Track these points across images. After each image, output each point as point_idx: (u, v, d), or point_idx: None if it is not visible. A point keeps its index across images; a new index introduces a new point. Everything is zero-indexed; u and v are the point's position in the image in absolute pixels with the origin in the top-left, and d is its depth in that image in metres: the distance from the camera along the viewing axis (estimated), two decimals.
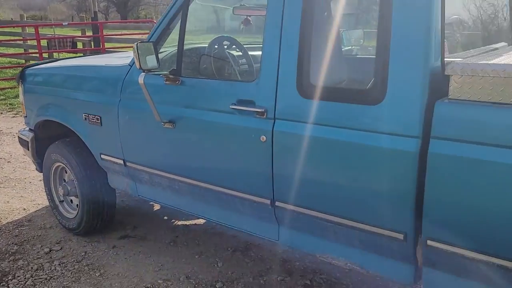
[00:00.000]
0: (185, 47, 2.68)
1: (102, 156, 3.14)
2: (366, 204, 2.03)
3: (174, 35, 2.69)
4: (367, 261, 2.15)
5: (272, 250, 3.28)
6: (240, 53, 3.24)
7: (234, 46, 3.22)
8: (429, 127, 1.82)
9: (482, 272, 1.80)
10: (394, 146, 1.90)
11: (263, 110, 2.25)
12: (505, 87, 1.69)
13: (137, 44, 2.37)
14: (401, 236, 1.96)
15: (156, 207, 4.01)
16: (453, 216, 1.80)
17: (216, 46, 3.00)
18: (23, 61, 12.51)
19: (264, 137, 2.25)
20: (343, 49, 4.13)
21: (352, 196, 2.05)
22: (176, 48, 2.59)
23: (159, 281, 2.92)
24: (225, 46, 3.13)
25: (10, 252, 3.31)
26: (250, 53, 3.28)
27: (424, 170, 1.84)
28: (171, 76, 2.56)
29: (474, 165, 1.72)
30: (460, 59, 1.90)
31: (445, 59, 1.90)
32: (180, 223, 3.74)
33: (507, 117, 1.67)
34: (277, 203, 2.32)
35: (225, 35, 3.14)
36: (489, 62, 1.74)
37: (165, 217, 3.84)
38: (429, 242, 1.89)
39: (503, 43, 2.98)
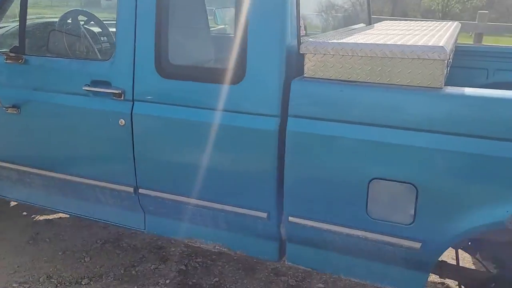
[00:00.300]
0: (33, 21, 2.36)
1: None
2: (231, 185, 2.00)
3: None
4: (234, 242, 2.14)
5: (146, 239, 3.14)
6: (100, 30, 2.98)
7: (92, 22, 2.95)
8: (287, 106, 1.84)
9: (339, 242, 1.90)
10: (255, 126, 1.89)
11: (120, 91, 2.08)
12: (352, 65, 1.76)
13: None
14: (265, 215, 1.97)
15: (13, 202, 3.58)
16: (310, 192, 1.86)
17: (69, 21, 2.70)
18: None
19: (123, 121, 2.08)
20: (216, 28, 4.05)
21: (216, 178, 2.01)
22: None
23: (14, 285, 2.60)
24: (82, 22, 2.84)
25: None
26: (112, 30, 3.03)
27: (284, 149, 1.86)
28: (12, 54, 2.24)
29: (327, 141, 1.78)
30: (313, 38, 1.94)
31: (310, 39, 1.92)
32: (42, 218, 3.38)
33: (354, 94, 1.74)
34: (141, 191, 2.18)
35: (80, 8, 2.85)
36: (339, 41, 1.79)
37: (24, 213, 3.45)
38: (290, 219, 1.93)
39: (362, 24, 3.17)
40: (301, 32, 2.00)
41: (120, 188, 2.22)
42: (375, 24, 3.09)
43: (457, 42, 3.37)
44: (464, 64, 3.23)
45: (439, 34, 2.10)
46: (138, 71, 2.05)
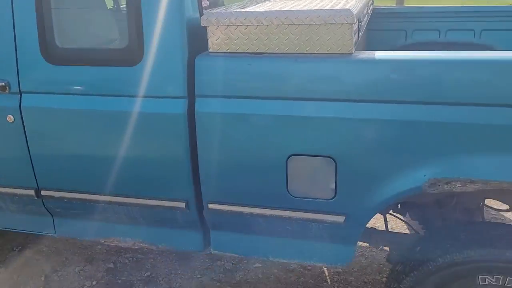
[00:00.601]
0: None
1: None
2: (142, 176, 1.83)
3: None
4: (155, 237, 1.99)
5: (69, 239, 2.90)
6: None
7: None
8: (193, 86, 1.68)
9: (263, 224, 1.81)
10: (162, 110, 1.72)
11: (3, 84, 1.82)
12: (259, 36, 1.62)
13: None
14: (183, 205, 1.83)
15: None
16: (228, 175, 1.74)
17: None
18: None
19: (11, 117, 1.84)
20: (122, 5, 3.75)
21: (125, 170, 1.83)
22: None
23: None
24: None
25: None
26: None
27: (195, 132, 1.71)
28: None
29: (239, 120, 1.65)
30: (216, 9, 1.78)
31: (212, 10, 1.75)
32: None
33: (263, 67, 1.62)
34: (43, 193, 1.96)
35: None
36: (242, 10, 1.64)
37: None
38: (210, 206, 1.80)
39: None
40: (204, 2, 1.84)
41: (20, 192, 1.98)
42: None
43: (377, 4, 3.34)
44: (384, 26, 3.21)
45: None
46: (21, 59, 1.80)
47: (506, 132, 1.45)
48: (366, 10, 2.26)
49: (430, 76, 1.49)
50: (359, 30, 1.77)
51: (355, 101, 1.55)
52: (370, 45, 3.21)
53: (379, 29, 3.21)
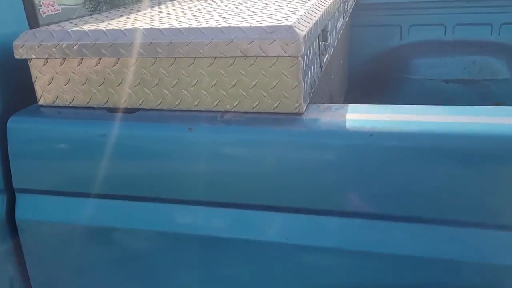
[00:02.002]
0: None
1: None
2: None
3: None
4: None
5: None
6: None
7: None
8: (9, 171, 0.90)
9: None
10: None
11: None
12: (124, 77, 0.82)
13: None
14: None
15: None
16: None
17: None
18: None
19: None
20: None
21: None
22: None
23: None
24: None
25: None
26: None
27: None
28: None
29: (93, 236, 0.87)
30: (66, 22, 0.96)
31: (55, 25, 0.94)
32: None
33: (131, 140, 0.83)
34: None
35: None
36: (89, 28, 0.84)
37: None
38: None
39: None
40: (47, 7, 1.03)
41: None
42: None
43: None
44: (371, 21, 2.42)
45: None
46: None
47: None
48: (342, 7, 1.46)
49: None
50: (322, 54, 0.97)
51: (302, 211, 0.77)
52: (354, 49, 2.42)
53: (365, 24, 2.42)
